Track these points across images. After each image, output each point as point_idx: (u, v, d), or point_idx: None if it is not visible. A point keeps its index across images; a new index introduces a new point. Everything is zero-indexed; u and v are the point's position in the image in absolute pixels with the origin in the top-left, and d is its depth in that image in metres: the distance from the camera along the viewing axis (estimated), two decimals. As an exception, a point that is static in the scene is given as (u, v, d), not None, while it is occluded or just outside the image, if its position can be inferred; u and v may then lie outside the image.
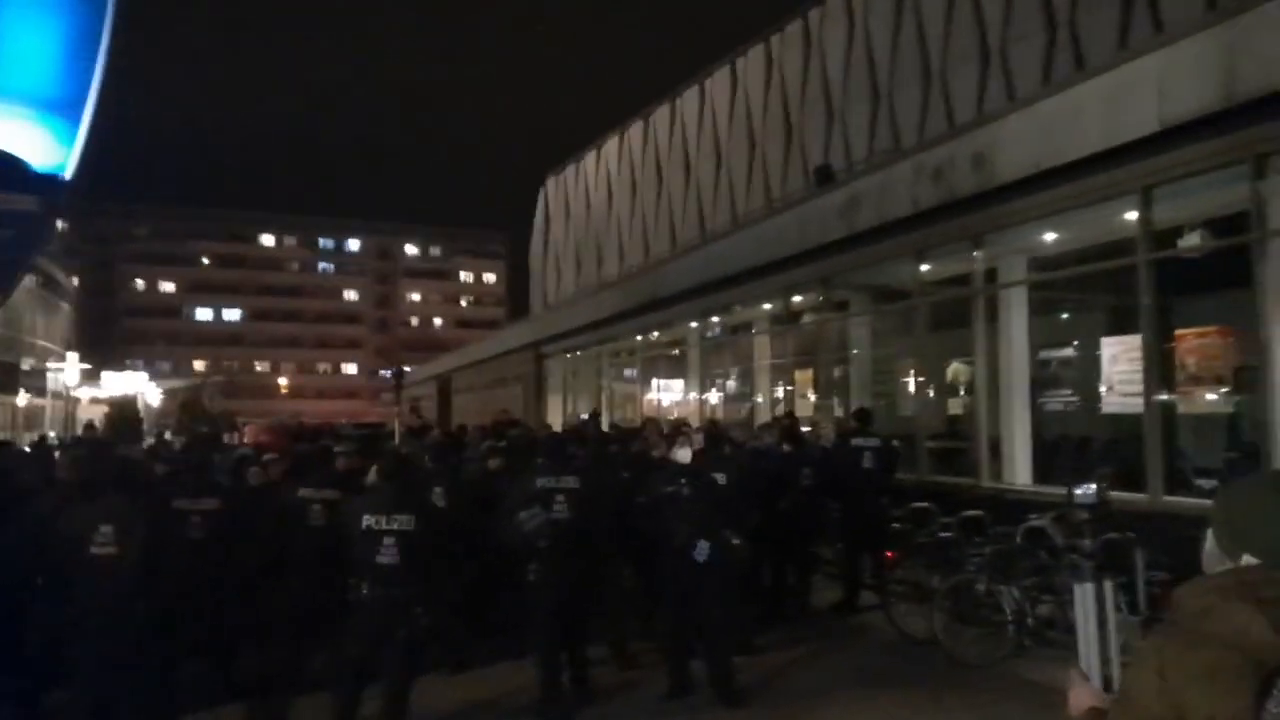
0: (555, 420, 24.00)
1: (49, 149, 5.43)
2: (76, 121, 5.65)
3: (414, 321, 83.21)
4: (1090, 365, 9.46)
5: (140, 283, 75.52)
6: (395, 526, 5.06)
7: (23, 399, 30.88)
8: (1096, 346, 9.30)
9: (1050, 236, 9.37)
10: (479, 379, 33.08)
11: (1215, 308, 8.41)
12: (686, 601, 6.03)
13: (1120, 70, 7.64)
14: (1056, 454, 9.77)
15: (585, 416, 11.04)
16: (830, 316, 13.44)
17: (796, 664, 6.90)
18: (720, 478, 7.16)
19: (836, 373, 13.77)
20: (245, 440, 24.86)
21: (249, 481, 6.98)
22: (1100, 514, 6.64)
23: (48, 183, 5.55)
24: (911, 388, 11.89)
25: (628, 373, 21.21)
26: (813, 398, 14.46)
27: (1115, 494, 8.13)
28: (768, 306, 14.74)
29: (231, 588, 5.86)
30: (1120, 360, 8.86)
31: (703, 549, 5.86)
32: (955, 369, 11.55)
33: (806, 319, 14.26)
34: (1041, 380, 9.99)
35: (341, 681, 5.09)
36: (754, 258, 13.36)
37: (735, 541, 6.03)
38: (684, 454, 6.22)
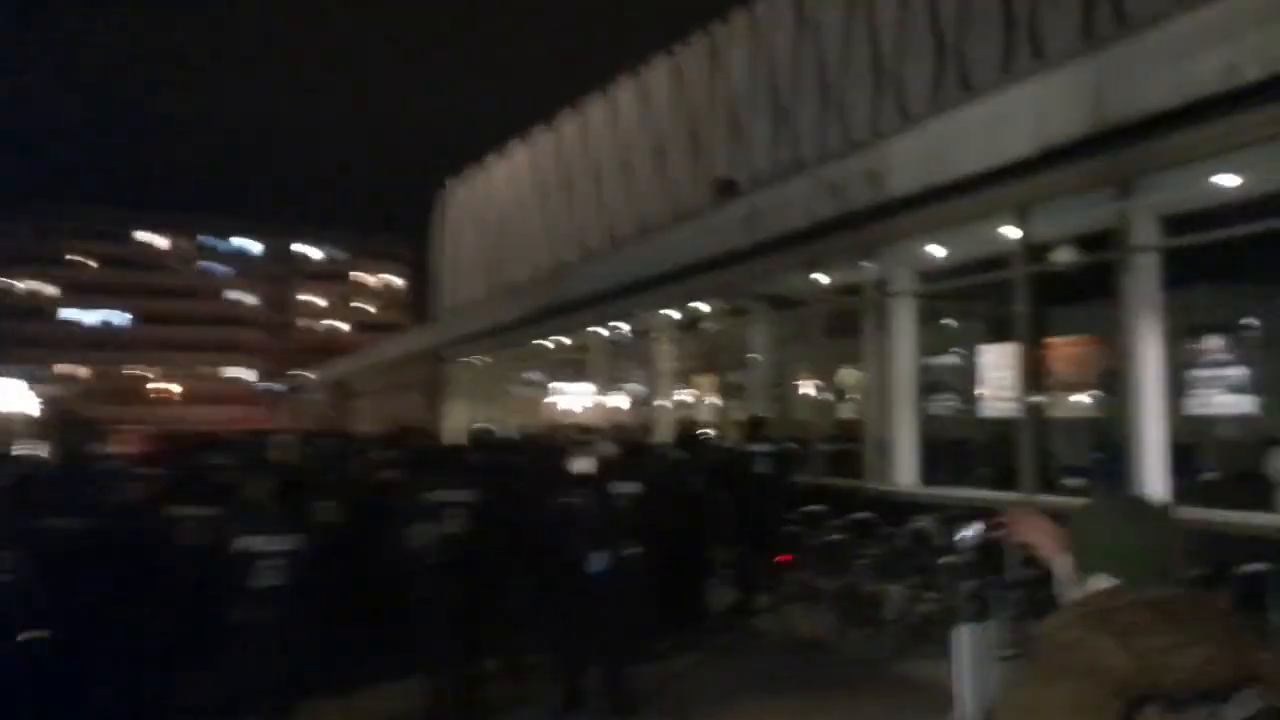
0: (458, 426, 23.64)
1: None
2: None
3: (315, 325, 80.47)
4: (971, 372, 9.93)
5: (18, 285, 70.54)
6: (282, 547, 4.87)
7: None
8: (977, 354, 9.78)
9: (937, 250, 9.78)
10: (378, 383, 32.26)
11: (1085, 317, 8.94)
12: (580, 613, 5.99)
13: (1003, 94, 8.05)
14: (940, 456, 10.19)
15: (482, 426, 10.88)
16: (729, 324, 13.68)
17: (691, 669, 6.96)
18: (631, 487, 7.18)
19: (736, 378, 14.02)
20: (128, 448, 23.55)
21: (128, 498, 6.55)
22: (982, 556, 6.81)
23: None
24: (806, 393, 12.22)
25: (531, 375, 21.06)
26: (713, 401, 14.69)
27: (990, 493, 8.61)
28: (671, 313, 14.89)
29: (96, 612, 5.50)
30: (997, 367, 9.34)
31: (597, 560, 5.84)
32: (845, 375, 11.93)
33: (707, 325, 14.47)
34: (927, 386, 10.40)
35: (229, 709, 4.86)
36: (658, 266, 13.49)
37: (629, 551, 6.01)
38: (584, 464, 6.18)
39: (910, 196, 8.93)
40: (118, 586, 5.57)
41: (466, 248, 33.06)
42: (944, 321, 10.69)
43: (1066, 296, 8.89)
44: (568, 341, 18.79)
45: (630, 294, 14.61)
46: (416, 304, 64.27)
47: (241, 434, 30.62)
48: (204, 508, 5.88)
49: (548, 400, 20.37)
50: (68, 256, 72.36)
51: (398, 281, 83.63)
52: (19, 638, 4.64)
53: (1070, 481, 8.22)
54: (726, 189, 13.80)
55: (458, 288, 33.38)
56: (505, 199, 30.29)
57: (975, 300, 10.08)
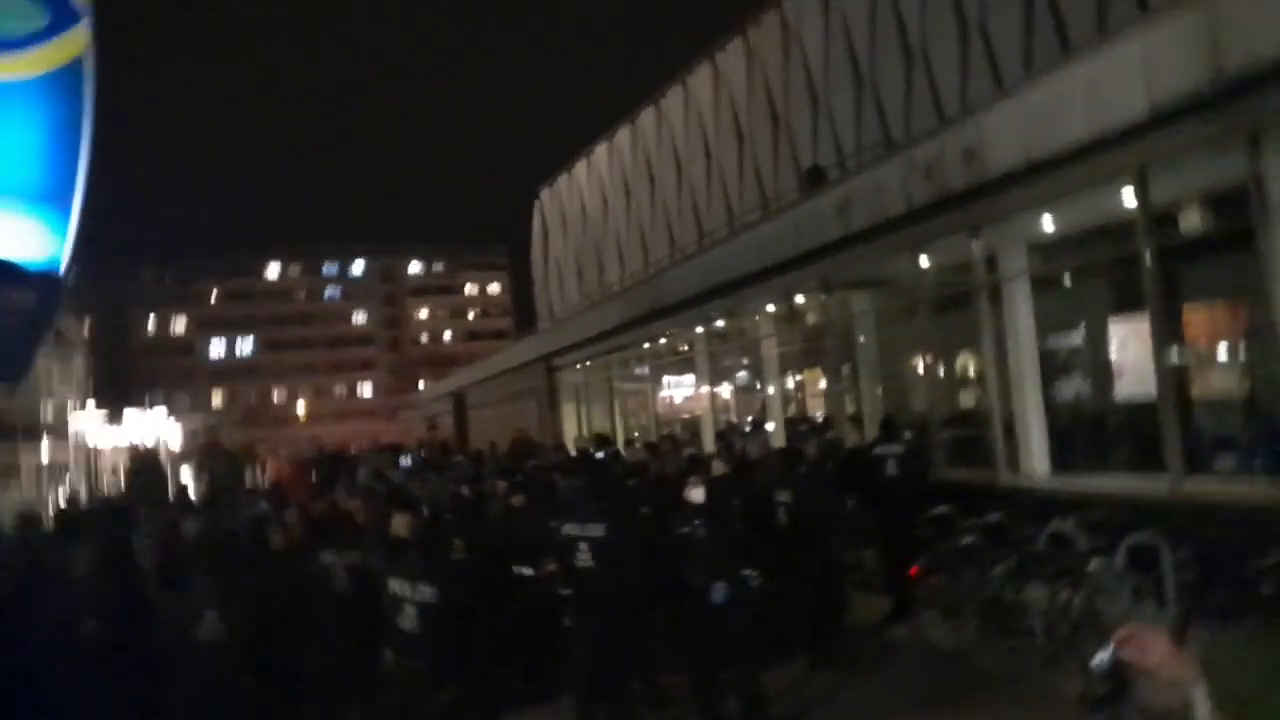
0: (570, 431, 24.02)
1: (42, 241, 5.48)
2: (67, 213, 5.68)
3: (424, 338, 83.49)
4: (1099, 347, 9.33)
5: (152, 323, 76.11)
6: (420, 597, 5.03)
7: (45, 448, 31.08)
8: (1104, 328, 9.17)
9: (1048, 223, 9.22)
10: (493, 394, 33.12)
11: (1222, 278, 8.24)
12: (710, 641, 6.01)
13: (1103, 55, 7.48)
14: (1072, 440, 9.63)
15: (599, 453, 10.93)
16: (832, 312, 13.34)
17: (830, 687, 6.85)
18: (736, 505, 7.16)
19: (844, 370, 13.67)
20: (267, 474, 25.05)
21: (270, 546, 6.92)
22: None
23: (42, 277, 5.60)
24: (920, 381, 11.78)
25: (637, 375, 21.16)
26: (821, 391, 14.39)
27: (1132, 481, 8.08)
28: (771, 308, 14.64)
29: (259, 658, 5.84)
30: (1129, 340, 8.73)
31: (719, 591, 5.81)
32: (961, 358, 11.44)
33: (810, 318, 14.15)
34: (1051, 365, 9.85)
35: None
36: (752, 263, 13.26)
37: (754, 582, 5.97)
38: (697, 493, 6.16)
39: (1013, 171, 8.42)
40: (286, 633, 5.95)
41: (561, 252, 33.50)
42: (1063, 295, 10.09)
43: (1198, 257, 8.23)
44: (670, 342, 18.77)
45: (726, 293, 14.43)
46: (519, 311, 65.82)
47: (372, 449, 32.16)
48: (348, 551, 6.20)
49: (658, 396, 20.46)
50: (203, 294, 77.44)
51: (497, 289, 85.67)
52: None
53: (1224, 462, 7.60)
54: (815, 178, 13.41)
55: (556, 292, 33.88)
56: (592, 201, 30.50)
57: (1097, 272, 9.45)
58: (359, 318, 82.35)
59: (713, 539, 6.01)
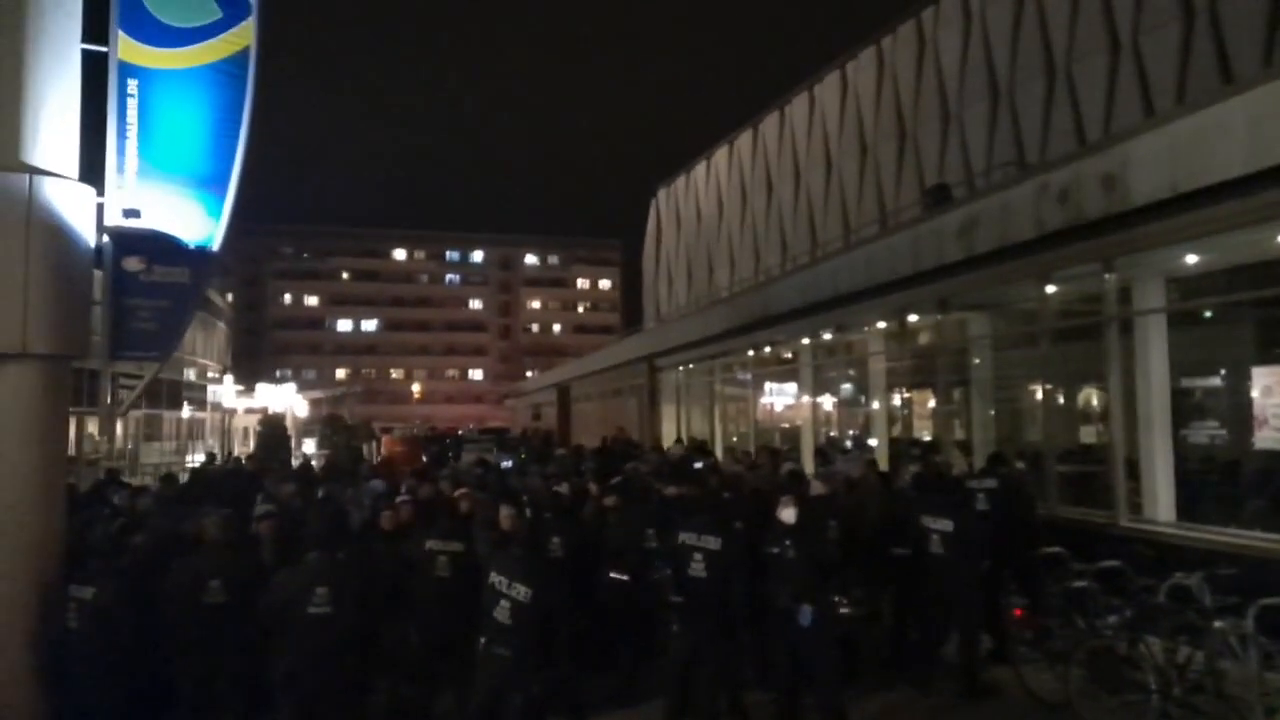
0: (668, 430, 24.12)
1: (200, 222, 6.00)
2: (223, 196, 6.19)
3: (534, 328, 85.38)
4: (1239, 392, 8.73)
5: (287, 298, 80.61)
6: (515, 594, 5.22)
7: (186, 412, 33.55)
8: (1245, 372, 8.58)
9: (1191, 257, 8.69)
10: (596, 388, 33.58)
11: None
12: (796, 661, 5.96)
13: (1272, 89, 6.98)
14: (1202, 489, 9.05)
15: (698, 462, 10.91)
16: (947, 334, 12.94)
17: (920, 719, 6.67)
18: (832, 527, 7.07)
19: (955, 392, 13.25)
20: (381, 451, 26.28)
21: (381, 525, 7.26)
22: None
23: (198, 255, 6.12)
24: (1037, 410, 11.29)
25: (741, 376, 21.06)
26: (930, 412, 13.96)
27: (1269, 538, 7.53)
28: (882, 324, 14.32)
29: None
30: (1274, 388, 8.14)
31: (805, 614, 5.75)
32: (1084, 392, 10.90)
33: (923, 337, 13.77)
34: (1183, 408, 9.27)
35: None
36: (866, 278, 13.00)
37: (844, 609, 5.89)
38: (788, 513, 6.10)
39: (1157, 202, 7.97)
40: (389, 613, 6.27)
41: (673, 252, 33.66)
42: (1202, 334, 9.49)
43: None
44: (775, 351, 18.60)
45: (837, 306, 14.20)
46: (628, 307, 66.49)
47: (478, 430, 33.18)
48: (451, 541, 6.46)
49: (759, 403, 20.32)
50: (334, 272, 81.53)
51: (608, 285, 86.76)
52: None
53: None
54: (940, 196, 13.03)
55: (665, 292, 34.08)
56: (708, 203, 30.51)
57: (1241, 310, 8.85)
58: (475, 304, 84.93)
59: (802, 562, 5.94)
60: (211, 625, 5.38)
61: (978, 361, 13.01)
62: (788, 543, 5.98)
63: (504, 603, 5.26)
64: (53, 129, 5.67)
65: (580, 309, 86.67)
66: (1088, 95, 14.51)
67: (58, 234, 5.56)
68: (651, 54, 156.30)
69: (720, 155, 29.59)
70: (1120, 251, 8.78)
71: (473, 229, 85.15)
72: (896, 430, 14.72)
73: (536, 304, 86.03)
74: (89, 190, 5.93)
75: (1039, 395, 11.16)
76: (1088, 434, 10.97)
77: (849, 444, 16.20)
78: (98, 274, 6.23)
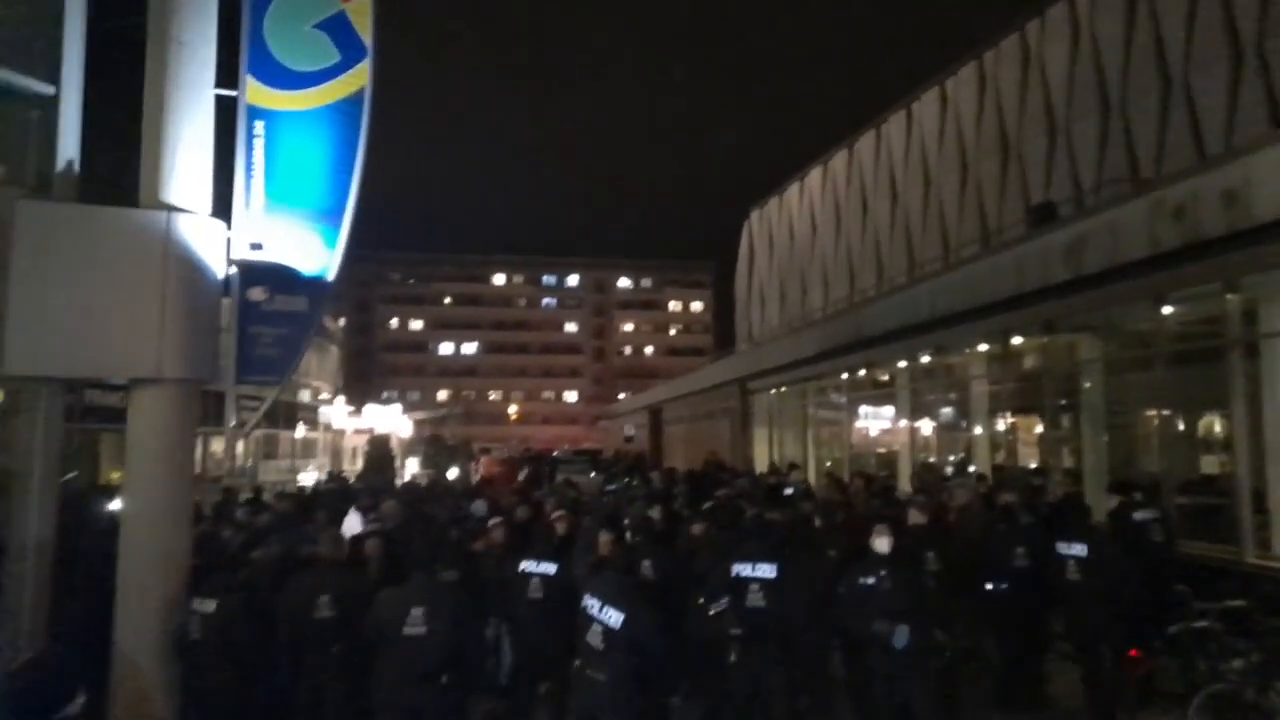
0: (761, 454, 23.90)
1: (318, 253, 6.40)
2: (339, 227, 6.59)
3: (627, 350, 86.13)
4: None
5: (394, 321, 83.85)
6: (607, 619, 5.23)
7: (300, 432, 35.24)
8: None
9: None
10: (688, 411, 33.59)
11: None
12: (892, 690, 5.81)
13: None
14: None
15: (789, 488, 10.78)
16: (1053, 356, 12.45)
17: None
18: (930, 558, 6.87)
19: (1064, 419, 12.71)
20: (480, 473, 26.95)
21: (475, 546, 7.47)
22: None
23: (316, 285, 6.52)
24: (1152, 438, 10.73)
25: (836, 399, 20.71)
26: (1036, 438, 13.42)
27: None
28: (984, 347, 13.88)
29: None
30: None
31: (901, 635, 5.59)
32: (1204, 419, 10.30)
33: (1028, 361, 13.27)
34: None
35: None
36: (967, 300, 12.65)
37: (939, 638, 5.71)
38: (883, 543, 5.96)
39: (1283, 219, 7.53)
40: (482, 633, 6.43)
41: (765, 273, 33.51)
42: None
43: None
44: (871, 374, 18.25)
45: (936, 328, 13.85)
46: (719, 328, 66.36)
47: (571, 451, 33.66)
48: (545, 563, 6.59)
49: (854, 427, 19.93)
50: (437, 296, 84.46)
51: (700, 307, 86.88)
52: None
53: None
54: (1045, 214, 12.60)
55: (757, 314, 33.91)
56: (801, 224, 30.29)
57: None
58: (570, 327, 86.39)
59: (898, 593, 5.79)
60: (321, 640, 5.63)
61: (1088, 386, 12.46)
62: (883, 573, 5.84)
63: (596, 627, 5.27)
64: (188, 169, 6.13)
65: (672, 331, 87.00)
66: (1207, 107, 13.82)
67: (192, 267, 5.99)
68: (743, 78, 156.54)
69: (814, 176, 29.38)
70: (1243, 271, 8.31)
71: (568, 253, 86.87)
72: (1000, 457, 14.20)
73: (630, 326, 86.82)
74: (219, 224, 6.38)
75: (1155, 422, 10.62)
76: (1209, 464, 10.35)
77: (948, 470, 15.72)
78: (225, 302, 6.66)
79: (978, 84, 20.57)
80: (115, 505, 8.96)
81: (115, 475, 15.34)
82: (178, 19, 6.09)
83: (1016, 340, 12.82)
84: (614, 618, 5.23)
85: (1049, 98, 17.92)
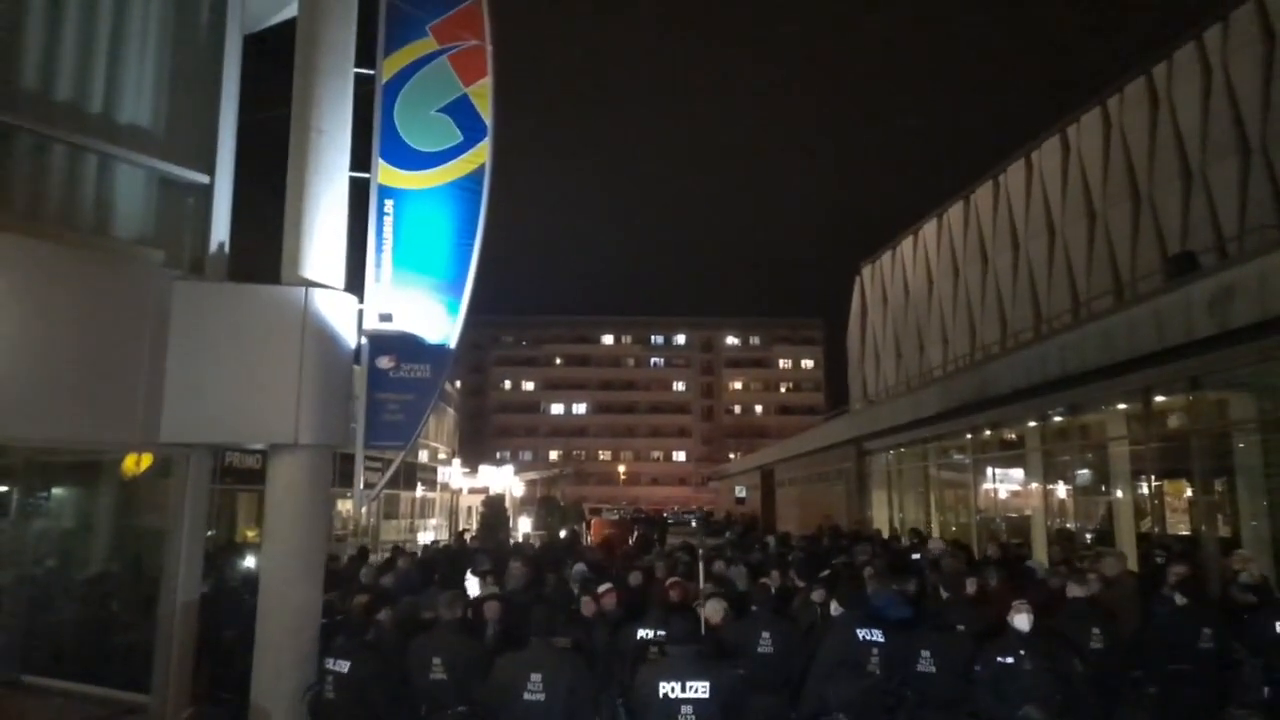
0: (880, 518, 23.04)
1: (442, 323, 6.74)
2: (460, 297, 6.92)
3: (736, 409, 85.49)
4: None
5: (507, 383, 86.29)
6: (690, 695, 4.89)
7: (419, 492, 36.45)
8: None
9: None
10: (801, 472, 32.87)
11: None
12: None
13: None
14: None
15: (916, 554, 10.28)
16: (1204, 419, 11.55)
17: None
18: (1094, 636, 6.37)
19: (1217, 483, 11.72)
20: (591, 531, 27.08)
21: (582, 612, 7.41)
22: None
23: (439, 353, 6.84)
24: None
25: (959, 459, 19.82)
26: (1186, 504, 12.39)
27: None
28: (1123, 405, 13.04)
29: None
30: None
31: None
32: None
33: (1173, 421, 12.38)
34: None
35: None
36: (1103, 355, 11.96)
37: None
38: (1022, 620, 5.58)
39: None
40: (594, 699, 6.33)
41: (879, 329, 32.78)
42: None
43: None
44: (997, 435, 17.42)
45: (1069, 386, 13.12)
46: (831, 387, 65.07)
47: (682, 511, 33.32)
48: (661, 629, 6.47)
49: (980, 489, 18.99)
50: (545, 358, 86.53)
51: (810, 364, 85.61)
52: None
53: None
54: (1185, 265, 11.86)
55: (872, 371, 33.09)
56: (916, 278, 29.58)
57: None
58: (679, 385, 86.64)
59: (1040, 675, 5.38)
60: (437, 702, 5.69)
61: (1242, 447, 11.49)
62: (1022, 652, 5.45)
63: (686, 708, 4.97)
64: (324, 247, 6.53)
65: (783, 389, 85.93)
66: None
67: (327, 339, 6.33)
68: (848, 133, 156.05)
69: (928, 229, 28.76)
70: None
71: (675, 312, 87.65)
72: (1146, 524, 13.20)
73: (739, 384, 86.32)
74: (352, 299, 6.74)
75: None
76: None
77: (1089, 537, 14.71)
78: (356, 370, 6.99)
79: (1103, 129, 19.80)
80: (250, 562, 9.44)
81: (250, 534, 16.20)
82: (318, 110, 6.55)
83: (1160, 398, 12.00)
84: (699, 688, 4.93)
85: (1181, 141, 17.04)
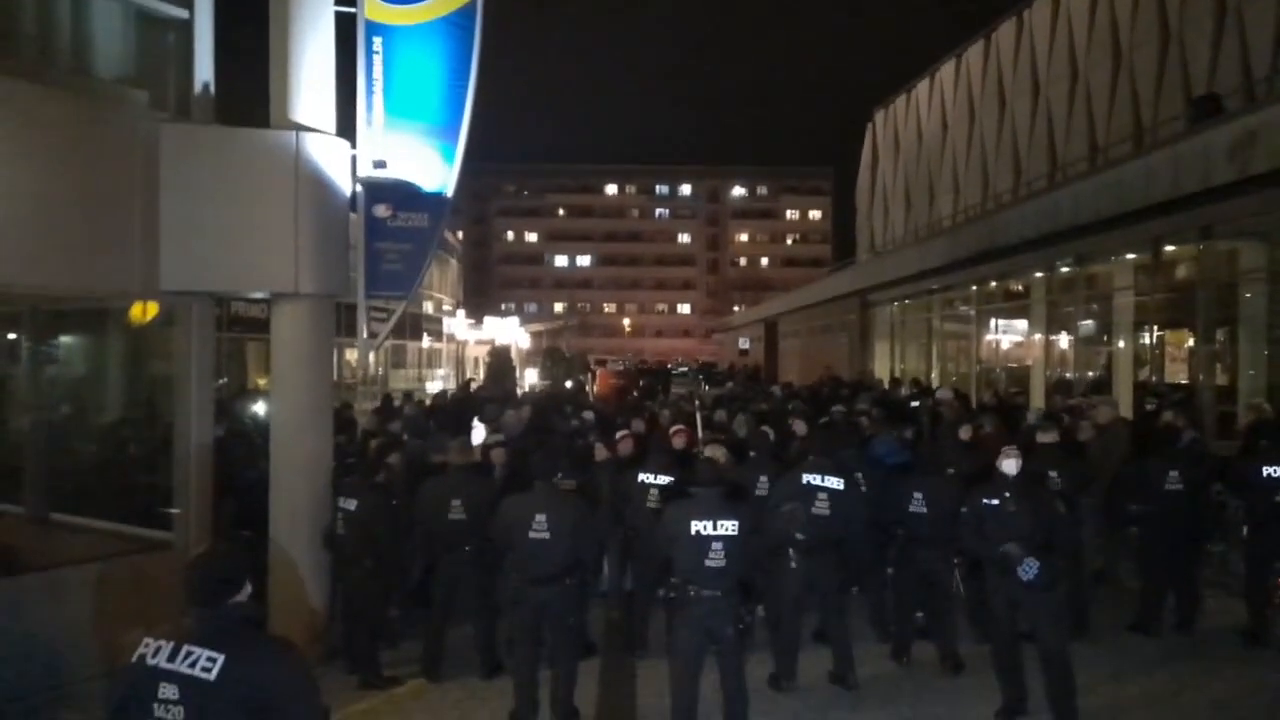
0: (882, 370, 23.35)
1: (437, 170, 6.51)
2: (456, 143, 6.65)
3: (741, 261, 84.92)
4: None
5: (510, 234, 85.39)
6: (722, 532, 5.10)
7: (425, 342, 36.91)
8: None
9: None
10: (804, 324, 33.04)
11: None
12: (1015, 618, 5.66)
13: None
14: None
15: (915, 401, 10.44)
16: (1210, 265, 11.44)
17: (1155, 696, 6.18)
18: (1054, 477, 6.61)
19: (1219, 334, 11.75)
20: (595, 383, 27.55)
21: (594, 456, 7.65)
22: None
23: (436, 201, 6.66)
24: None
25: (963, 311, 19.87)
26: (1186, 354, 12.48)
27: None
28: (1131, 256, 12.90)
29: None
30: None
31: (1029, 568, 5.40)
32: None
33: (1181, 270, 12.27)
34: None
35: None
36: (1115, 204, 11.70)
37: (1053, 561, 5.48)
38: (1010, 464, 5.72)
39: None
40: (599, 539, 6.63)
41: (890, 178, 32.03)
42: None
43: None
44: (1002, 286, 17.36)
45: (1077, 236, 12.93)
46: (838, 238, 64.28)
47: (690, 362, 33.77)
48: (662, 475, 6.68)
49: (983, 341, 19.14)
50: (548, 208, 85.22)
51: (818, 215, 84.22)
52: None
53: None
54: (1208, 108, 11.39)
55: (880, 222, 32.59)
56: (930, 124, 28.59)
57: None
58: (684, 238, 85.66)
59: (1024, 515, 5.57)
60: (454, 540, 6.00)
61: (1248, 296, 11.44)
62: (1008, 495, 5.63)
63: (715, 545, 5.15)
64: (313, 88, 6.27)
65: (789, 241, 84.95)
66: None
67: (321, 185, 6.20)
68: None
69: (946, 71, 27.51)
70: None
71: (680, 161, 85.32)
72: (1144, 374, 13.34)
73: (744, 237, 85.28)
74: (344, 143, 6.55)
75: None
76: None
77: (1084, 388, 14.91)
78: (352, 219, 6.89)
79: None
80: (260, 408, 9.66)
81: (262, 381, 16.52)
82: (297, -64, 6.13)
83: (1169, 248, 11.84)
84: (732, 527, 5.11)
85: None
